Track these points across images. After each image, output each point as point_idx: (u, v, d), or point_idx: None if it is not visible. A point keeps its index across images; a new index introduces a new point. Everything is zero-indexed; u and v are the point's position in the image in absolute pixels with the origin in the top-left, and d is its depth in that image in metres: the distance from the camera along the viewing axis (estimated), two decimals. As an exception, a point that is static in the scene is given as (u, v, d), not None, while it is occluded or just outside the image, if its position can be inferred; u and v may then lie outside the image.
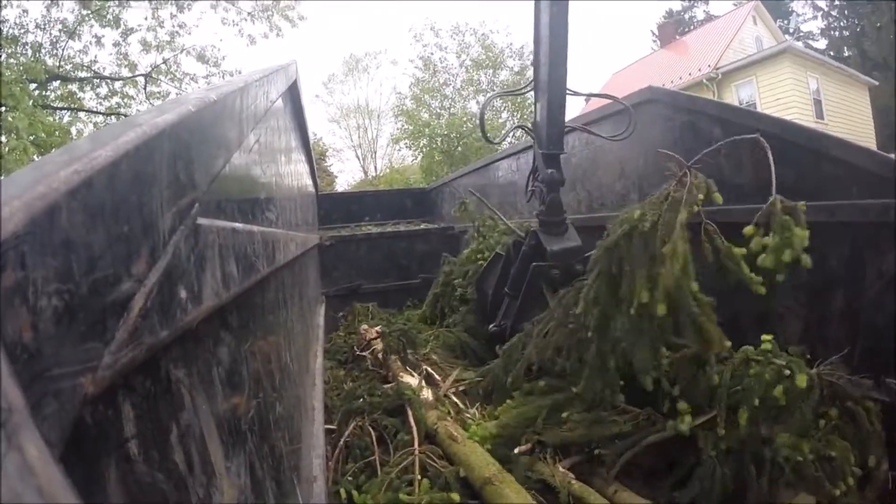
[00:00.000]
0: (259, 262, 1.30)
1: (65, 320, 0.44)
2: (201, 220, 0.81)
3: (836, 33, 30.51)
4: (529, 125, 4.00)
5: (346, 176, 37.83)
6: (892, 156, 2.35)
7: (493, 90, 21.80)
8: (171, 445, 0.67)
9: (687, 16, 38.57)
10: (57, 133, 10.43)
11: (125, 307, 0.55)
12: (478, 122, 20.68)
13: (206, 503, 0.77)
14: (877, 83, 22.98)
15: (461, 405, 3.10)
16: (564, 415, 2.46)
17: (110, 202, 0.52)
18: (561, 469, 2.25)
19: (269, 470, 1.22)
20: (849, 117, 21.04)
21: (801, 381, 2.02)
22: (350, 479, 2.31)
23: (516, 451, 2.42)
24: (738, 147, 3.01)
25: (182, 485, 0.69)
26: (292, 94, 2.95)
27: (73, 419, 0.44)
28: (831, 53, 27.00)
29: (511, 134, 3.75)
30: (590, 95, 4.44)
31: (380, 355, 3.89)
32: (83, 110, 14.07)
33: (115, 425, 0.55)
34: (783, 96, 19.43)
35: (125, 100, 14.63)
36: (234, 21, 15.50)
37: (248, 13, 15.39)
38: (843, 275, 2.44)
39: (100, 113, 14.27)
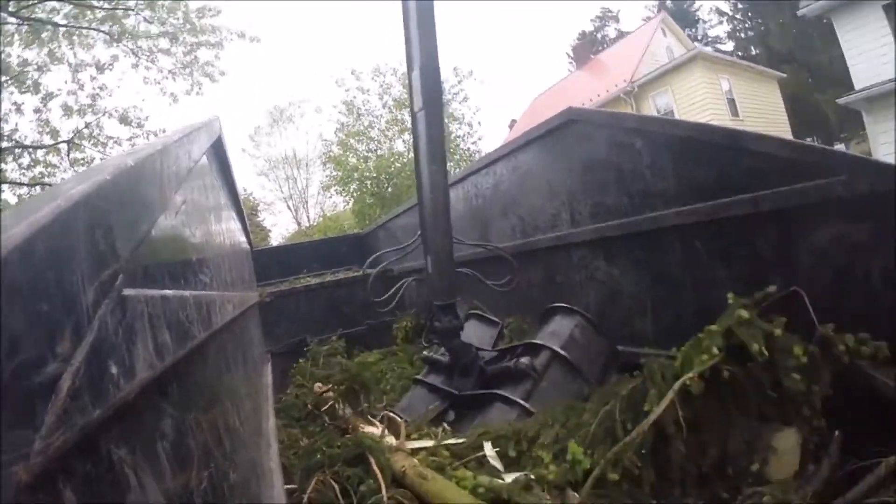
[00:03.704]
0: (194, 327, 1.26)
1: (-13, 410, 0.42)
2: (127, 291, 0.79)
3: (742, 34, 32.68)
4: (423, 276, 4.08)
5: (280, 228, 37.26)
6: (808, 140, 2.51)
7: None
8: None
9: (599, 35, 40.88)
10: (-20, 208, 9.77)
11: (52, 389, 0.53)
12: (403, 162, 20.72)
13: None
14: (785, 75, 24.59)
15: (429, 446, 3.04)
16: None
17: (26, 281, 0.50)
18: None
19: (230, 542, 1.16)
20: (763, 111, 22.43)
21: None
22: (319, 537, 2.22)
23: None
24: (659, 156, 3.17)
25: (135, 569, 0.66)
26: (217, 151, 2.90)
27: (8, 512, 0.41)
28: (739, 54, 28.82)
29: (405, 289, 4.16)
30: (470, 245, 4.58)
31: (336, 406, 3.79)
32: (6, 182, 13.30)
33: None
34: (698, 100, 20.62)
35: (48, 168, 13.90)
36: (155, 80, 15.13)
37: (170, 71, 15.12)
38: (776, 260, 2.57)
39: (23, 184, 13.49)
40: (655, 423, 2.23)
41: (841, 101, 14.54)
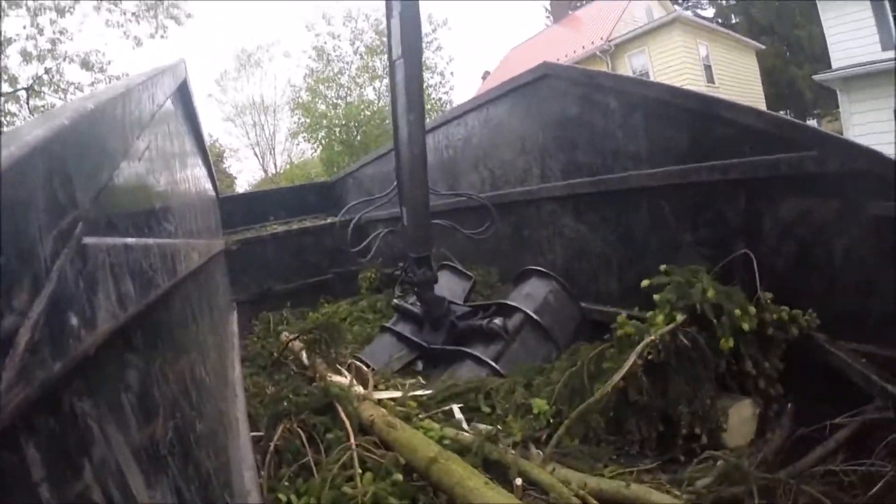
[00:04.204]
0: (158, 276, 1.23)
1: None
2: (87, 240, 0.76)
3: (724, 1, 32.01)
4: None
5: (246, 175, 36.21)
6: (781, 114, 2.52)
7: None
8: (86, 483, 0.63)
9: (579, -10, 39.54)
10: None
11: (10, 344, 0.50)
12: (373, 110, 20.27)
13: None
14: (763, 47, 24.43)
15: (397, 396, 3.08)
16: None
17: (-22, 232, 0.47)
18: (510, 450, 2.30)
19: (198, 491, 1.17)
20: (738, 80, 22.36)
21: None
22: (286, 484, 2.25)
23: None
24: (632, 117, 3.17)
25: (103, 522, 0.65)
26: (182, 95, 2.79)
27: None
28: (719, 21, 28.24)
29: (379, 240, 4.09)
30: (446, 195, 4.58)
31: (303, 356, 3.79)
32: (-39, 132, 12.51)
33: (21, 470, 0.51)
34: (674, 63, 20.48)
35: (7, 117, 13.22)
36: (118, 23, 14.35)
37: (133, 13, 14.32)
38: (741, 228, 2.62)
39: (-22, 134, 12.77)
40: (618, 386, 2.31)
41: (817, 77, 14.66)
